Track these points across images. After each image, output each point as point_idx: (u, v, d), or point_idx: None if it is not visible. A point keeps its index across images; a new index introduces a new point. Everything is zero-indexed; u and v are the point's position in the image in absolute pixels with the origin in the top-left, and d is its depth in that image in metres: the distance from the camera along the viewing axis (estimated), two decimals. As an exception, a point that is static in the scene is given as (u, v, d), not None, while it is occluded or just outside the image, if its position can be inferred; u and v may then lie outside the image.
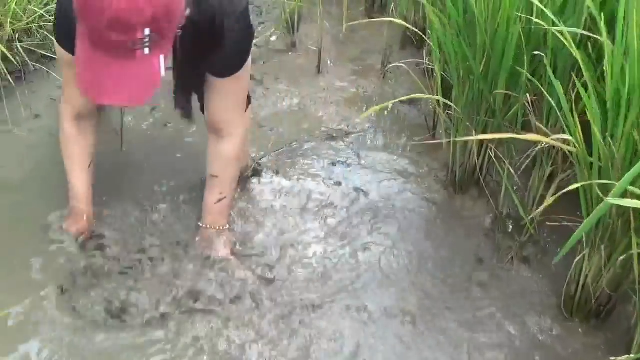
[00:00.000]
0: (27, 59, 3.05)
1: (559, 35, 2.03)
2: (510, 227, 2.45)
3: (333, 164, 2.71)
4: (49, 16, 3.13)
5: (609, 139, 1.89)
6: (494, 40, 2.25)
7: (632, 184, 1.68)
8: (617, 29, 1.85)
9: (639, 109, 1.83)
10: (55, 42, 2.08)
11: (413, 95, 2.52)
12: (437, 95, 2.50)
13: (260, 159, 2.68)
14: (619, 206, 1.86)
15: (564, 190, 1.90)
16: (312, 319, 2.14)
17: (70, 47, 1.81)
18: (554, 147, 2.26)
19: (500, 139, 2.38)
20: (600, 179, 1.92)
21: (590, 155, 1.95)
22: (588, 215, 1.94)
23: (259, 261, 2.31)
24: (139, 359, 2.00)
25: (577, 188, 1.92)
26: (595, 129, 1.89)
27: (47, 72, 3.09)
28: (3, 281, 2.17)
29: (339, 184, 2.62)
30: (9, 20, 2.99)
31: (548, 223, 2.29)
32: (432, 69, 2.71)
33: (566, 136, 1.98)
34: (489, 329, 2.16)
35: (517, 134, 2.18)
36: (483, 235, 2.45)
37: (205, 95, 2.17)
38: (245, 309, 2.14)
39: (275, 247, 2.36)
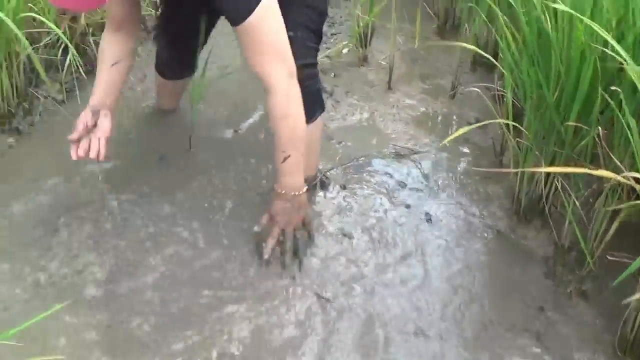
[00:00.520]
0: (97, 53, 3.12)
1: (631, 74, 2.04)
2: (571, 260, 2.44)
3: (399, 183, 2.72)
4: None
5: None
6: (568, 70, 2.25)
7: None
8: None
9: None
10: None
11: (483, 123, 2.55)
12: (507, 120, 2.49)
13: (328, 172, 2.71)
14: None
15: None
16: (363, 334, 2.16)
17: None
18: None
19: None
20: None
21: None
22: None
23: (318, 277, 2.32)
24: None
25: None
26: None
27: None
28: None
29: (404, 204, 2.63)
30: (83, 14, 3.10)
31: (609, 258, 2.28)
32: (502, 93, 2.72)
33: (638, 175, 1.98)
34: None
35: (586, 166, 2.19)
36: (543, 266, 2.44)
37: None
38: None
39: (335, 264, 2.38)
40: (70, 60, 2.93)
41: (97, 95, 2.38)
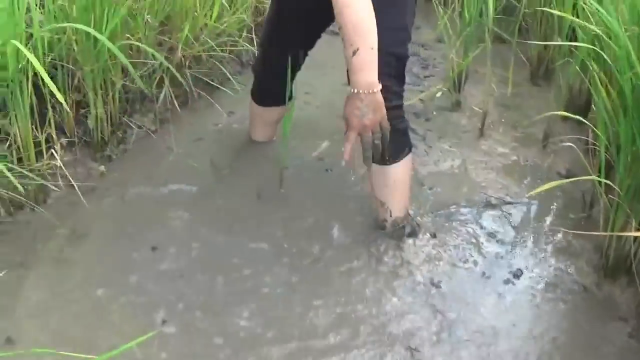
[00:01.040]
0: (192, 85, 3.24)
1: None
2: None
3: (489, 234, 2.76)
4: (220, 49, 3.34)
5: None
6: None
7: None
8: None
9: None
10: None
11: (574, 179, 2.57)
12: (599, 176, 2.49)
13: (418, 218, 2.77)
14: None
15: None
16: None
17: None
18: None
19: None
20: None
21: None
22: None
23: (407, 325, 2.37)
24: None
25: None
26: None
27: (211, 101, 3.28)
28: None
29: (493, 256, 2.66)
30: (180, 46, 3.18)
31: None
32: (595, 146, 2.74)
33: None
34: None
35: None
36: (627, 325, 2.44)
37: None
38: None
39: (423, 313, 2.43)
40: (165, 92, 3.03)
41: None
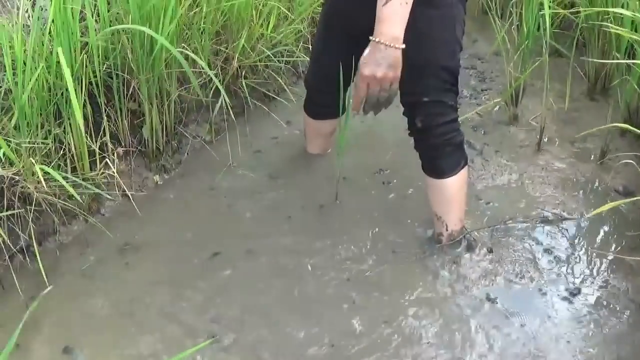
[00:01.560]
0: (248, 96, 3.23)
1: None
2: None
3: (546, 250, 2.73)
4: (276, 59, 3.34)
5: None
6: None
7: None
8: None
9: None
10: None
11: (632, 199, 2.54)
12: None
13: (474, 232, 2.76)
14: None
15: None
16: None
17: None
18: None
19: None
20: None
21: None
22: None
23: (463, 341, 2.37)
24: None
25: None
26: None
27: (267, 111, 3.28)
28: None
29: (550, 272, 2.64)
30: (236, 56, 3.18)
31: None
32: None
33: None
34: None
35: None
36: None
37: None
38: None
39: (479, 329, 2.42)
40: (220, 102, 3.04)
41: None
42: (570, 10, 3.64)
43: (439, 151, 2.57)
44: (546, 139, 3.35)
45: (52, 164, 2.53)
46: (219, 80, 3.03)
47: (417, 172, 2.67)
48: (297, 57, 3.58)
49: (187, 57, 2.72)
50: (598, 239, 2.82)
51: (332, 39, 2.72)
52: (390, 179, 3.04)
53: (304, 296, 2.50)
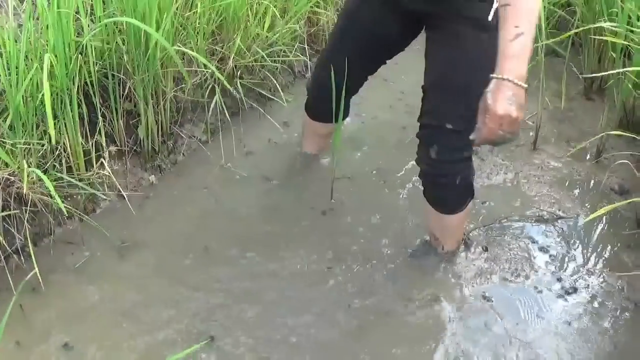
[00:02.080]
0: (244, 97, 3.21)
1: None
2: None
3: (541, 249, 2.74)
4: (271, 59, 3.32)
5: None
6: None
7: None
8: None
9: None
10: None
11: (629, 201, 2.53)
12: None
13: (470, 232, 2.76)
14: None
15: None
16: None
17: None
18: None
19: None
20: None
21: None
22: None
23: (459, 340, 2.36)
24: None
25: None
26: None
27: (263, 113, 3.27)
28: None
29: (545, 271, 2.65)
30: (232, 55, 3.15)
31: None
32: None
33: None
34: None
35: None
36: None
37: None
38: None
39: (474, 327, 2.42)
40: (216, 102, 3.03)
41: None
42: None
43: (450, 190, 2.47)
44: (542, 138, 3.35)
45: (48, 164, 2.52)
46: (214, 80, 3.03)
47: (415, 172, 2.64)
48: (293, 57, 3.56)
49: (183, 56, 2.70)
50: (593, 237, 2.83)
51: (346, 45, 2.59)
52: (388, 178, 3.04)
53: (300, 295, 2.49)
